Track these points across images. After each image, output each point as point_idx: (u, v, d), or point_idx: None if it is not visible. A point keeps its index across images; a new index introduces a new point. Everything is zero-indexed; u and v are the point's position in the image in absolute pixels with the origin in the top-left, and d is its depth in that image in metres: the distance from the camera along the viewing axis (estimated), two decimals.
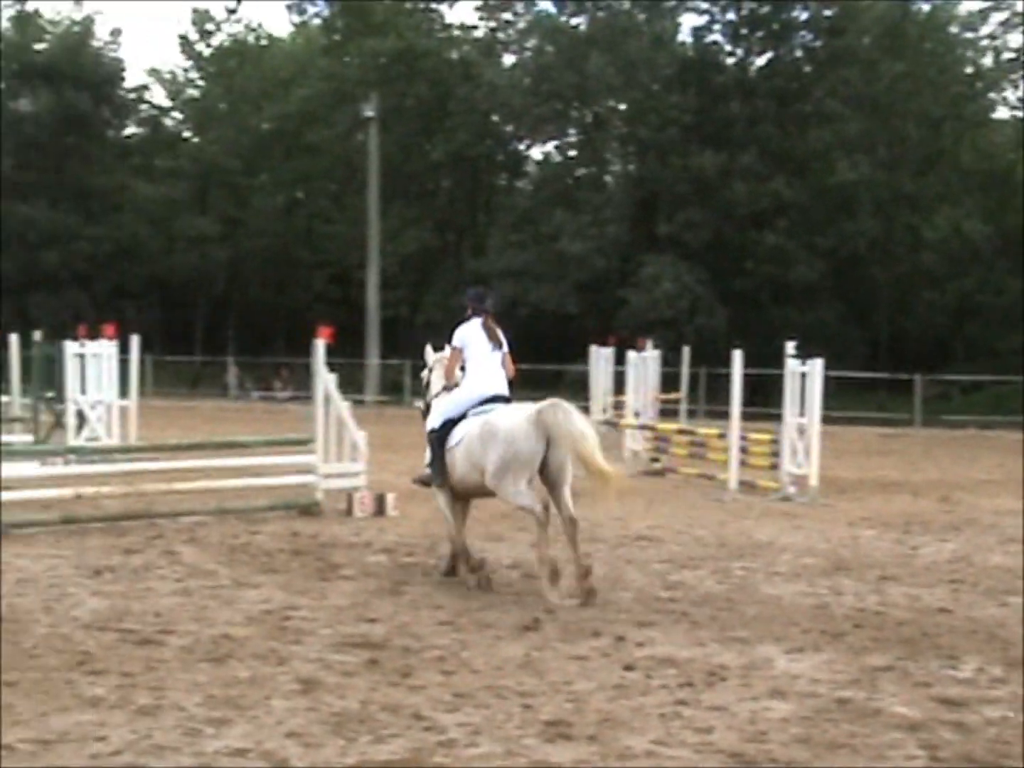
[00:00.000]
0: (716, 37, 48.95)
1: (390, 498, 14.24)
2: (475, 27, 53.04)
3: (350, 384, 33.10)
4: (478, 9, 52.35)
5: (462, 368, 10.60)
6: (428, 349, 11.67)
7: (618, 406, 21.83)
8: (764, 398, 32.21)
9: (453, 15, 52.86)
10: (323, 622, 8.48)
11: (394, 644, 7.86)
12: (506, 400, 10.32)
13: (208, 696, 6.58)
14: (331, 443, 14.21)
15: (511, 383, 10.71)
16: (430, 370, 11.30)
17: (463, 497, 10.43)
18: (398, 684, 6.92)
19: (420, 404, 11.66)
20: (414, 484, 11.26)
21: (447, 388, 10.71)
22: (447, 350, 10.84)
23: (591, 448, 9.36)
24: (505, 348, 10.76)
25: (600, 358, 21.32)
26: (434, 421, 10.51)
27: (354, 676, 7.08)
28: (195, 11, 57.37)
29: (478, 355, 10.55)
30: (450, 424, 10.26)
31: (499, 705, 6.54)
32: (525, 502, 9.64)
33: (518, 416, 9.69)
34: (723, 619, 8.82)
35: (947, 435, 33.62)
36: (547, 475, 9.68)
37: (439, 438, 10.31)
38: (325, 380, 14.10)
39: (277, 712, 6.33)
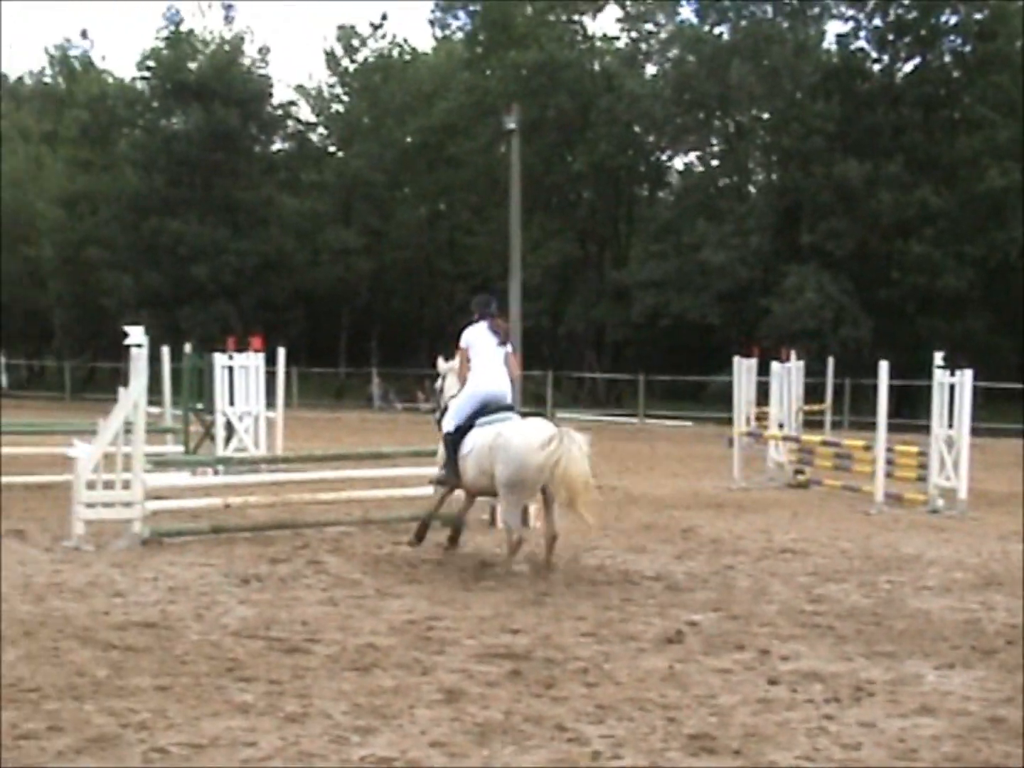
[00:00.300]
0: (861, 44, 48.18)
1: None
2: (617, 38, 53.06)
3: None
4: (620, 20, 52.35)
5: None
6: (440, 360, 12.79)
7: (761, 417, 21.62)
8: (910, 409, 31.72)
9: (595, 26, 52.53)
10: (466, 632, 8.51)
11: (537, 655, 7.87)
12: (508, 406, 11.34)
13: (354, 704, 6.65)
14: None
15: (513, 382, 11.75)
16: (443, 378, 12.42)
17: (474, 495, 11.76)
18: (541, 695, 6.93)
19: (435, 412, 12.74)
20: (430, 484, 12.30)
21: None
22: (457, 359, 11.88)
23: (582, 486, 10.46)
24: (510, 348, 11.75)
25: (743, 369, 21.13)
26: (448, 425, 11.51)
27: (497, 687, 7.09)
28: (341, 28, 58.26)
29: (482, 354, 11.56)
30: (462, 431, 11.21)
31: (642, 718, 6.51)
32: (514, 523, 10.93)
33: (532, 439, 10.49)
34: (870, 633, 8.68)
35: None
36: (545, 493, 10.77)
37: (453, 443, 11.31)
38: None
39: (421, 721, 6.37)
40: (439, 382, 12.62)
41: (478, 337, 11.65)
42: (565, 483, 10.29)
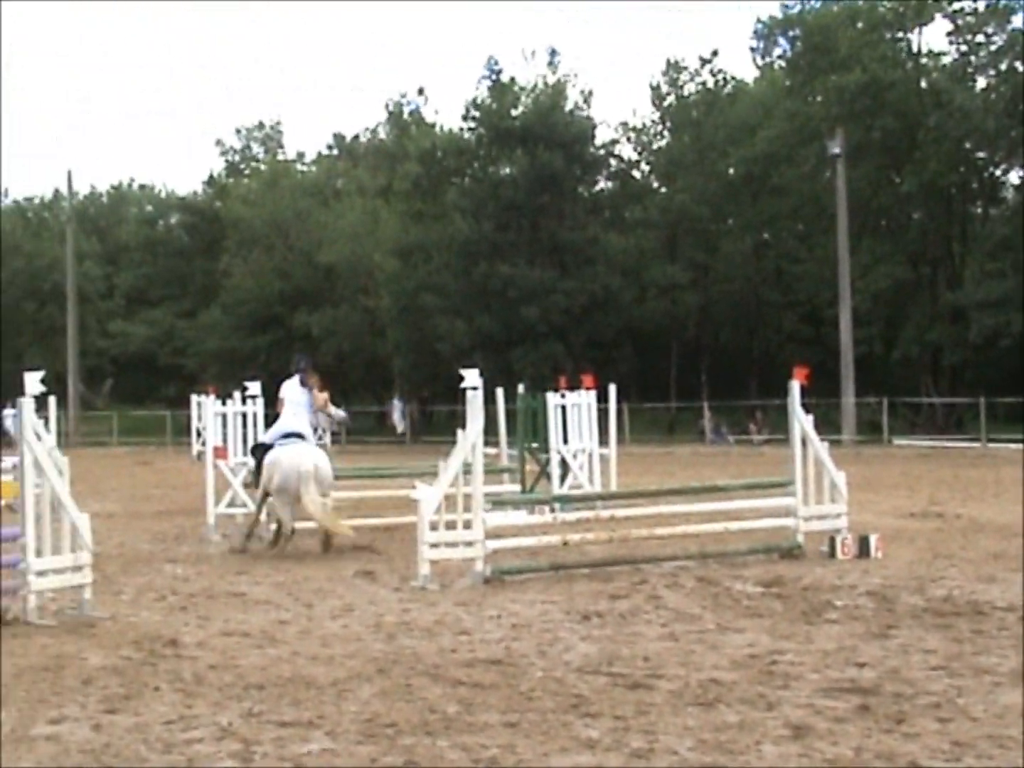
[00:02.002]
0: None
1: (873, 539, 13.90)
2: (943, 53, 51.51)
3: (826, 424, 32.60)
4: (949, 34, 50.79)
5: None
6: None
7: None
8: None
9: (920, 42, 51.12)
10: (810, 666, 8.34)
11: (885, 689, 7.64)
12: (300, 436, 15.44)
13: (699, 740, 6.58)
14: (810, 485, 14.00)
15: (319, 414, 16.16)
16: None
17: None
18: (892, 731, 6.71)
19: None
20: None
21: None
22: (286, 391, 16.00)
23: (308, 500, 14.76)
24: (314, 391, 15.99)
25: None
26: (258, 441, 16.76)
27: (845, 722, 6.91)
28: (668, 62, 58.42)
29: (291, 402, 15.81)
30: (265, 447, 15.61)
31: (1002, 756, 6.23)
32: (286, 517, 15.14)
33: (292, 462, 14.82)
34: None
35: None
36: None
37: (259, 457, 15.60)
38: (801, 421, 13.92)
39: (769, 758, 6.27)
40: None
41: (289, 390, 15.96)
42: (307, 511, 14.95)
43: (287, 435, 15.35)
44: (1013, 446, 37.68)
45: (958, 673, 8.08)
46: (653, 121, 59.77)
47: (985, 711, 7.11)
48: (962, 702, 7.31)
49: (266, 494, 15.44)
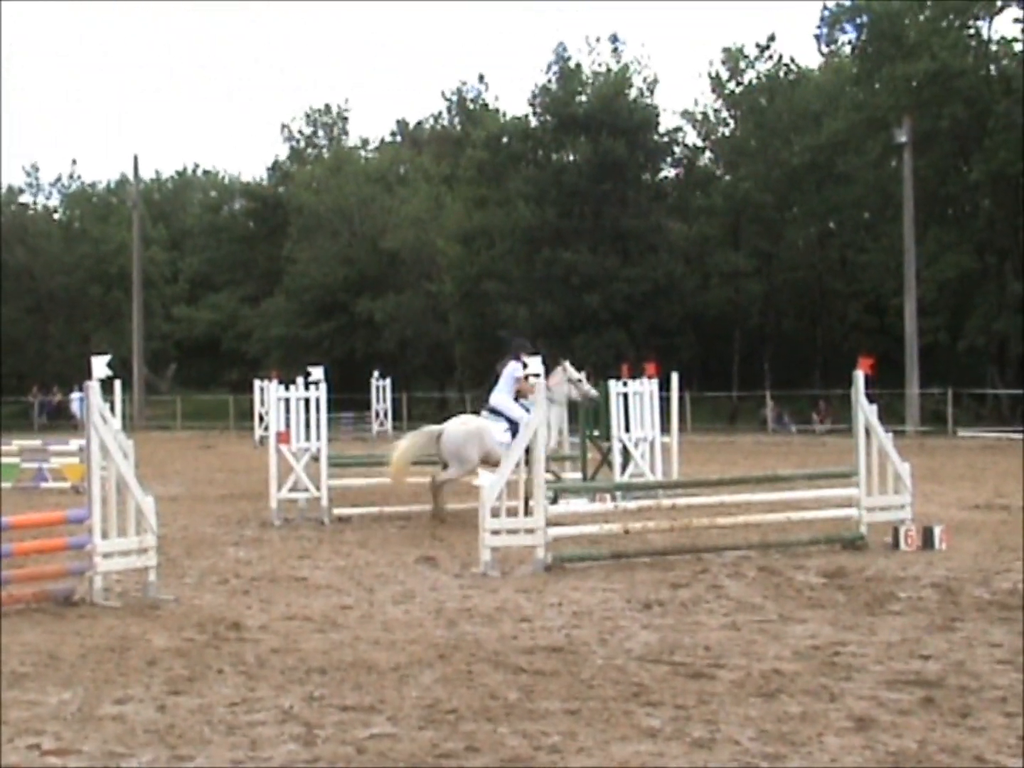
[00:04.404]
0: None
1: (937, 531, 13.80)
2: (1015, 39, 50.87)
3: (890, 415, 32.35)
4: (1018, 20, 50.18)
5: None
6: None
7: None
8: None
9: (991, 29, 50.49)
10: (873, 658, 8.29)
11: (950, 682, 7.58)
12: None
13: (761, 731, 6.57)
14: (874, 475, 13.91)
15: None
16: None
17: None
18: (957, 724, 6.66)
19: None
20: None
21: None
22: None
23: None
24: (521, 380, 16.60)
25: None
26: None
27: (910, 715, 6.87)
28: (726, 50, 58.13)
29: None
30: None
31: None
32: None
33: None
34: None
35: None
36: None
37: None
38: (865, 411, 13.82)
39: (831, 750, 6.24)
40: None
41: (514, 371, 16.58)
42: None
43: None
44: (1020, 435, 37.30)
45: None
46: (715, 109, 59.51)
47: None
48: None
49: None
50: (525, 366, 14.47)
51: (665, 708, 7.07)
